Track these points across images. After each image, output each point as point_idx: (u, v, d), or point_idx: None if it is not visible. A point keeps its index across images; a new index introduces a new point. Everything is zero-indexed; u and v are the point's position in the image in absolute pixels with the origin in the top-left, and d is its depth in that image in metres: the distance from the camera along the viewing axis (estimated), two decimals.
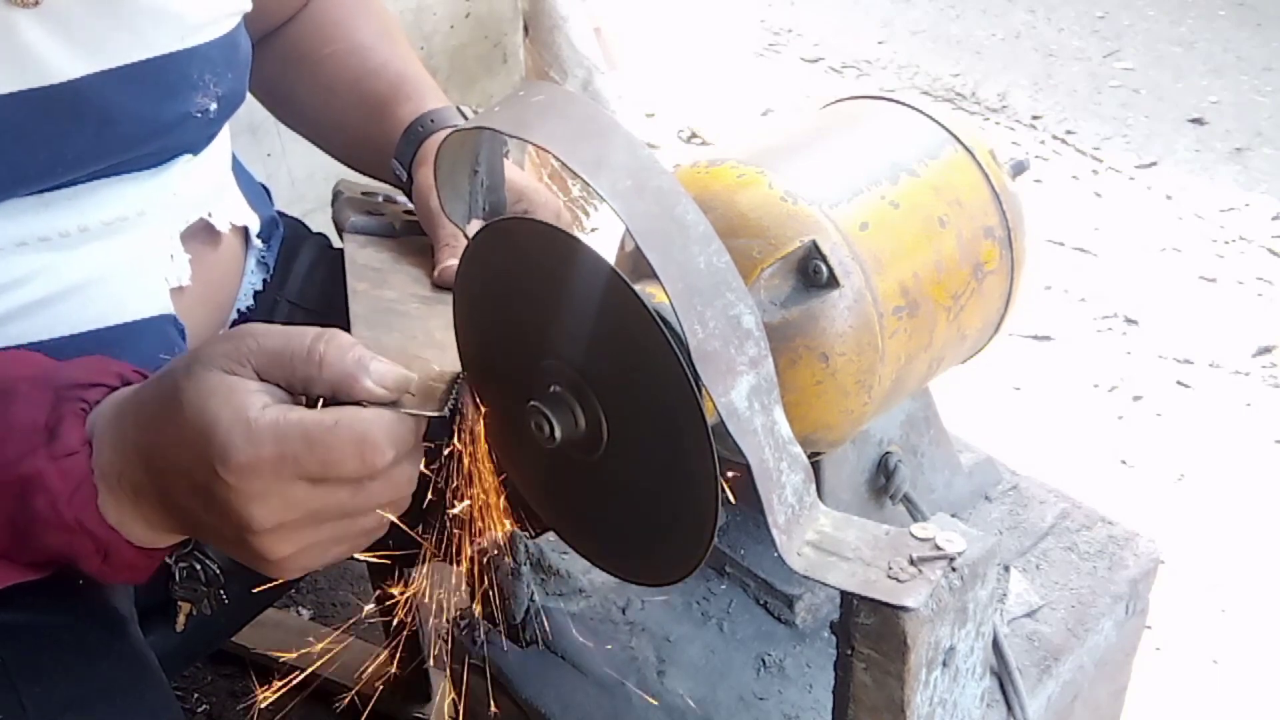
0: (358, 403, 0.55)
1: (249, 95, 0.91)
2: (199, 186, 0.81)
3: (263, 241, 0.93)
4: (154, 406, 0.56)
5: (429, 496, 0.64)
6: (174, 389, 0.55)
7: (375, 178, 0.96)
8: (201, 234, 0.82)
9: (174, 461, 0.55)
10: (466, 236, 0.61)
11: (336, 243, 1.04)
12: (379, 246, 0.86)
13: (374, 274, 0.82)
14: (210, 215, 0.82)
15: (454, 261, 0.71)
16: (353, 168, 0.99)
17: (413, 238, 0.88)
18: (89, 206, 0.74)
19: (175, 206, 0.79)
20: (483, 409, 0.61)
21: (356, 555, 0.63)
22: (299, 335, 0.55)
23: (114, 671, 0.69)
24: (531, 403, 0.55)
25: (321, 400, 0.55)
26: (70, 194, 0.72)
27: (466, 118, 0.88)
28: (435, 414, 0.56)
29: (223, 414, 0.53)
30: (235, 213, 0.87)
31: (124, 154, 0.74)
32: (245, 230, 0.90)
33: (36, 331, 0.72)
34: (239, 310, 0.91)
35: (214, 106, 0.79)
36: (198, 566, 0.86)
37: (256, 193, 0.96)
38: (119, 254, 0.75)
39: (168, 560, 0.84)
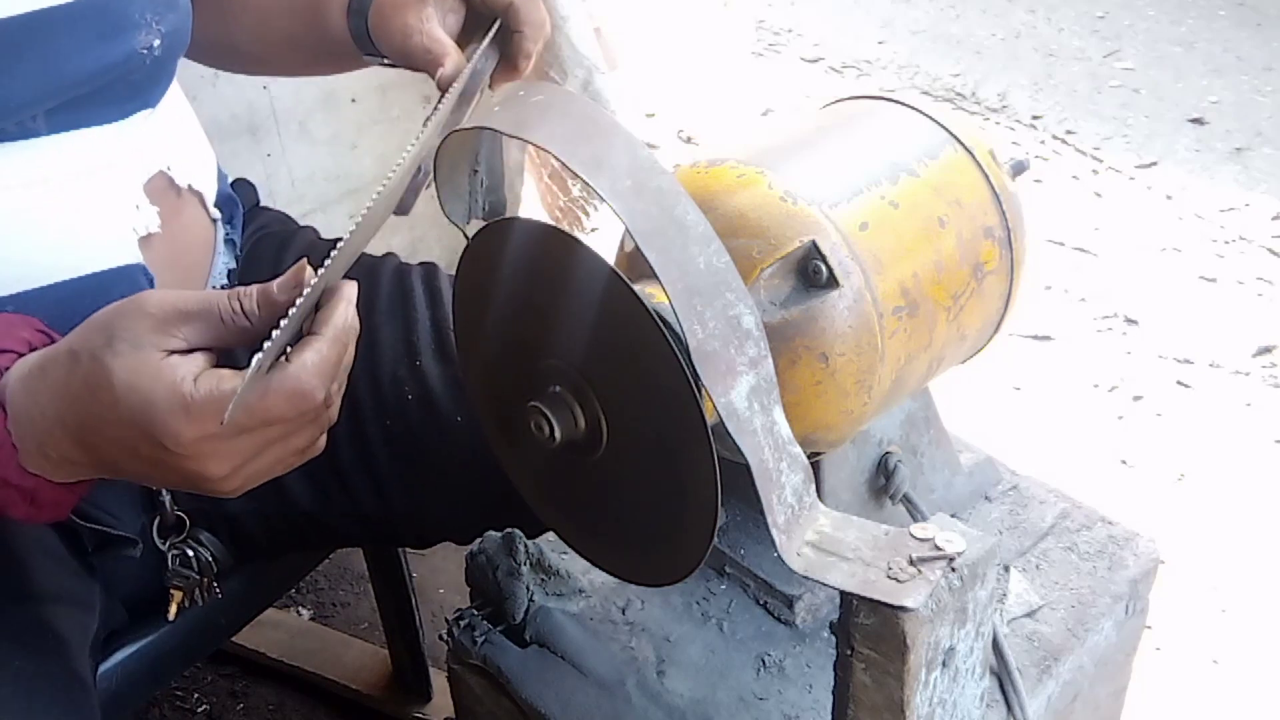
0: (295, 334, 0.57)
1: (232, 96, 0.91)
2: (158, 141, 0.82)
3: (225, 220, 0.93)
4: (78, 387, 0.57)
5: None
6: (101, 370, 0.56)
7: (348, 69, 0.98)
8: (164, 189, 0.83)
9: (112, 437, 0.56)
10: (466, 237, 0.61)
11: (326, 234, 1.05)
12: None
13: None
14: (170, 169, 0.83)
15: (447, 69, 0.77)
16: (316, 73, 1.02)
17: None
18: (50, 158, 0.74)
19: (137, 160, 0.80)
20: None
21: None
22: (214, 299, 0.57)
23: (4, 690, 0.69)
24: (531, 403, 0.55)
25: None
26: (30, 145, 0.73)
27: None
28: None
29: (157, 393, 0.54)
30: (196, 171, 0.88)
31: (72, 91, 0.75)
32: (209, 195, 0.91)
33: (4, 284, 0.73)
34: (215, 288, 0.91)
35: (157, 43, 0.80)
36: (190, 554, 0.86)
37: (219, 175, 0.96)
38: (84, 204, 0.76)
39: (161, 547, 0.85)
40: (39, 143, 0.74)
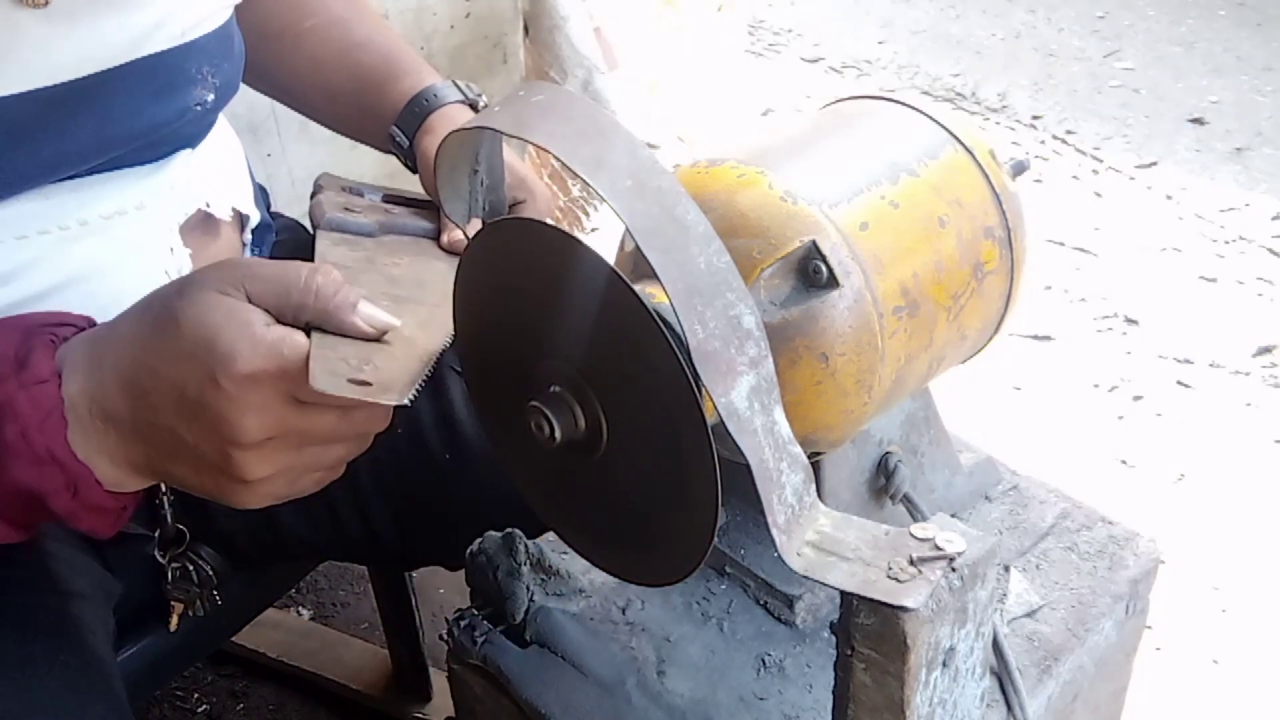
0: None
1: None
2: (197, 179, 0.82)
3: (255, 244, 0.93)
4: (142, 328, 0.57)
5: None
6: (169, 310, 0.56)
7: (366, 143, 0.99)
8: (200, 226, 0.83)
9: (165, 377, 0.56)
10: (466, 236, 0.61)
11: None
12: (353, 246, 0.85)
13: (345, 272, 0.81)
14: (208, 205, 0.83)
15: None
16: (341, 133, 1.02)
17: (389, 238, 0.87)
18: (88, 200, 0.74)
19: (174, 199, 0.80)
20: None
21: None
22: (293, 265, 0.58)
23: (56, 683, 0.69)
24: (531, 403, 0.55)
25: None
26: (70, 187, 0.73)
27: (463, 92, 0.92)
28: (396, 402, 0.56)
29: (226, 327, 0.55)
30: (236, 200, 0.87)
31: (124, 147, 0.75)
32: (243, 221, 0.91)
33: None
34: None
35: (211, 97, 0.80)
36: (190, 567, 0.87)
37: (256, 193, 0.96)
38: (119, 246, 0.76)
39: (160, 560, 0.85)
40: (76, 184, 0.74)
